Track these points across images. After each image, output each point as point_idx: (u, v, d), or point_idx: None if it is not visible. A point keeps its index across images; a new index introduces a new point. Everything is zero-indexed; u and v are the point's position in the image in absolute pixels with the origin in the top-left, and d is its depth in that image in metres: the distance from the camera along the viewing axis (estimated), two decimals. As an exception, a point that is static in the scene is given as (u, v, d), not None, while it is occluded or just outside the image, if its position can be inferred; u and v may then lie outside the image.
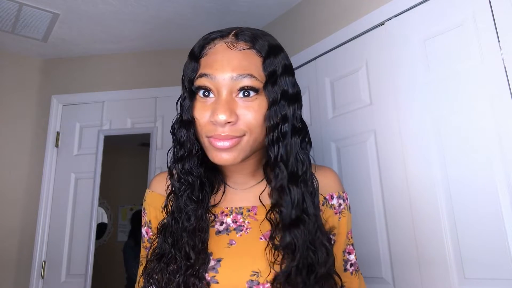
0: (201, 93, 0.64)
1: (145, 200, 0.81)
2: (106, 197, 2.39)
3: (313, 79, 1.99)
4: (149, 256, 0.69)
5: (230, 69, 0.62)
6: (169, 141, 2.60)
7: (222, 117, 0.60)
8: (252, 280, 0.64)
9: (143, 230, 0.79)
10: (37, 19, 2.16)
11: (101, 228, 2.33)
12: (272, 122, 0.62)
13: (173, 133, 0.69)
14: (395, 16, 1.64)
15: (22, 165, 2.43)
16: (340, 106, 1.83)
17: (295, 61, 2.09)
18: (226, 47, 0.64)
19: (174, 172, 0.70)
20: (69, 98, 2.55)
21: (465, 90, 1.38)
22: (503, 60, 1.29)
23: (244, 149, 0.63)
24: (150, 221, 0.79)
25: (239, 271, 0.65)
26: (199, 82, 0.64)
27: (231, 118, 0.60)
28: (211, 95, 0.64)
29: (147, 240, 0.79)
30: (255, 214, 0.71)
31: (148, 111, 2.47)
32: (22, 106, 2.50)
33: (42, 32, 2.29)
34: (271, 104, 0.63)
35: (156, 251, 0.68)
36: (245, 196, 0.73)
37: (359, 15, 1.77)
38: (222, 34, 0.67)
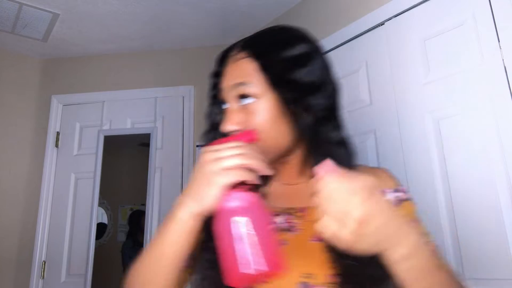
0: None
1: None
2: (106, 197, 2.39)
3: (313, 79, 1.99)
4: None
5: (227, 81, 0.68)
6: (169, 141, 2.61)
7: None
8: (304, 283, 0.62)
9: None
10: (37, 19, 2.16)
11: (101, 228, 2.33)
12: (291, 118, 0.65)
13: None
14: (395, 16, 1.64)
15: (22, 165, 2.43)
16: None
17: (295, 61, 2.09)
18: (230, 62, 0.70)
19: None
20: (69, 98, 2.55)
21: (465, 90, 1.38)
22: (503, 60, 1.29)
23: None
24: None
25: (290, 272, 0.61)
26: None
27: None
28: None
29: None
30: (306, 215, 0.69)
31: (148, 111, 2.47)
32: (22, 106, 2.50)
33: (42, 32, 2.29)
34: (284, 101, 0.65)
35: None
36: (295, 196, 0.72)
37: (359, 15, 1.77)
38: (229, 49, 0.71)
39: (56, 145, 2.48)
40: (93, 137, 2.39)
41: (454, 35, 1.43)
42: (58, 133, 2.50)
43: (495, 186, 1.26)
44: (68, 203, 2.38)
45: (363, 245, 0.49)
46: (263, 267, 0.51)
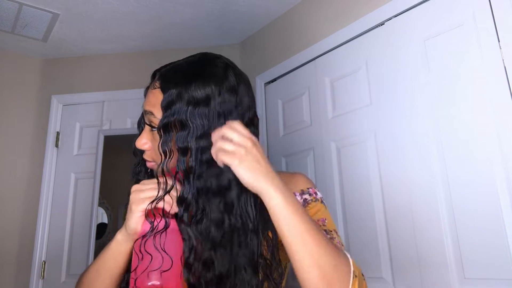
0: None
1: None
2: (106, 197, 2.38)
3: (313, 79, 1.99)
4: None
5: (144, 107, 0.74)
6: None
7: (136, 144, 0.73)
8: None
9: None
10: (37, 19, 2.16)
11: (101, 228, 2.32)
12: (163, 151, 0.66)
13: None
14: (395, 16, 1.64)
15: (22, 165, 2.43)
16: (340, 106, 1.83)
17: (295, 61, 2.09)
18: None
19: None
20: (69, 98, 2.55)
21: (465, 90, 1.38)
22: (503, 60, 1.29)
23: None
24: None
25: None
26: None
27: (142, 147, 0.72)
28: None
29: None
30: None
31: (148, 111, 2.46)
32: (22, 106, 2.50)
33: (42, 32, 2.29)
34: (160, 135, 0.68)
35: None
36: None
37: (359, 15, 1.77)
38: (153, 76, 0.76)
39: (56, 145, 2.48)
40: (93, 137, 2.39)
41: (454, 35, 1.43)
42: (58, 133, 2.50)
43: (495, 186, 1.26)
44: (68, 203, 2.38)
45: (245, 171, 0.60)
46: (157, 282, 0.60)
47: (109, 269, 0.71)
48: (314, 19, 2.02)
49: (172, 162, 0.66)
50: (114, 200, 2.46)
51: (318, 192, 0.79)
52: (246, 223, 0.64)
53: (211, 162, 0.64)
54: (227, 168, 0.62)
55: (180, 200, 0.65)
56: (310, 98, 1.99)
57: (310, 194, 0.78)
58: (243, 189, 0.64)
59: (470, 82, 1.37)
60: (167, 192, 0.65)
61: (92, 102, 2.52)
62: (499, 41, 1.31)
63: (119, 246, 0.70)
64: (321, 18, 1.98)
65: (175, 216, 0.65)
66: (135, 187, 0.67)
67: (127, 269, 0.72)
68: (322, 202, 0.78)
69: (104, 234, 2.42)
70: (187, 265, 0.62)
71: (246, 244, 0.63)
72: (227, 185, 0.64)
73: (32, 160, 2.45)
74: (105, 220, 2.42)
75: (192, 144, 0.64)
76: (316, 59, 1.99)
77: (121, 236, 0.70)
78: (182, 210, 0.64)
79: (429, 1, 1.53)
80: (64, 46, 2.47)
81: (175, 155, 0.66)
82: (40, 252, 2.30)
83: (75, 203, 2.38)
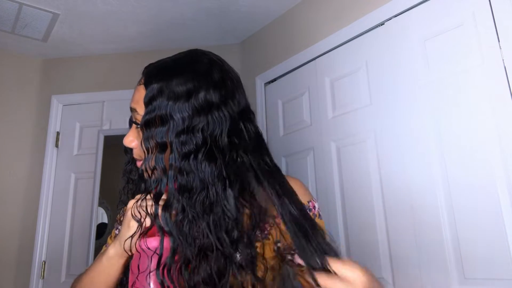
0: None
1: None
2: (106, 197, 2.39)
3: (313, 79, 1.99)
4: None
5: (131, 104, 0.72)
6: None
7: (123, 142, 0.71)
8: None
9: None
10: (37, 19, 2.16)
11: (101, 228, 2.32)
12: (145, 148, 0.65)
13: None
14: (395, 16, 1.64)
15: (22, 165, 2.43)
16: (340, 106, 1.83)
17: (295, 61, 2.09)
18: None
19: None
20: (69, 98, 2.55)
21: (465, 90, 1.38)
22: (503, 60, 1.29)
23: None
24: None
25: None
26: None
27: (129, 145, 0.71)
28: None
29: None
30: None
31: (148, 111, 2.46)
32: (22, 106, 2.50)
33: (42, 32, 2.29)
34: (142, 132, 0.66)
35: None
36: None
37: (359, 15, 1.77)
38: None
39: (56, 145, 2.48)
40: (93, 137, 2.39)
41: (454, 35, 1.43)
42: (58, 133, 2.50)
43: (495, 186, 1.26)
44: (68, 203, 2.38)
45: None
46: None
47: (103, 281, 0.70)
48: (314, 19, 2.02)
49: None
50: (114, 200, 2.46)
51: (316, 205, 0.76)
52: (229, 222, 0.60)
53: (191, 158, 0.63)
54: None
55: (157, 197, 0.62)
56: (310, 98, 1.99)
57: (309, 210, 0.74)
58: (225, 186, 0.62)
59: (470, 82, 1.37)
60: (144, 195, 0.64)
61: (92, 102, 2.52)
62: (499, 41, 1.31)
63: (111, 261, 0.68)
64: (321, 18, 1.98)
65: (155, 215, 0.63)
66: (132, 204, 0.65)
67: (124, 272, 0.71)
68: (319, 216, 0.75)
69: (104, 234, 2.42)
70: (160, 267, 0.59)
71: (228, 243, 0.60)
72: (208, 181, 0.62)
73: (32, 160, 2.45)
74: (105, 220, 2.42)
75: (172, 140, 0.63)
76: (316, 59, 1.99)
77: (114, 251, 0.68)
78: (160, 208, 0.62)
79: (429, 1, 1.53)
80: (64, 46, 2.47)
81: (156, 151, 0.64)
82: (40, 252, 2.30)
83: (75, 203, 2.38)
